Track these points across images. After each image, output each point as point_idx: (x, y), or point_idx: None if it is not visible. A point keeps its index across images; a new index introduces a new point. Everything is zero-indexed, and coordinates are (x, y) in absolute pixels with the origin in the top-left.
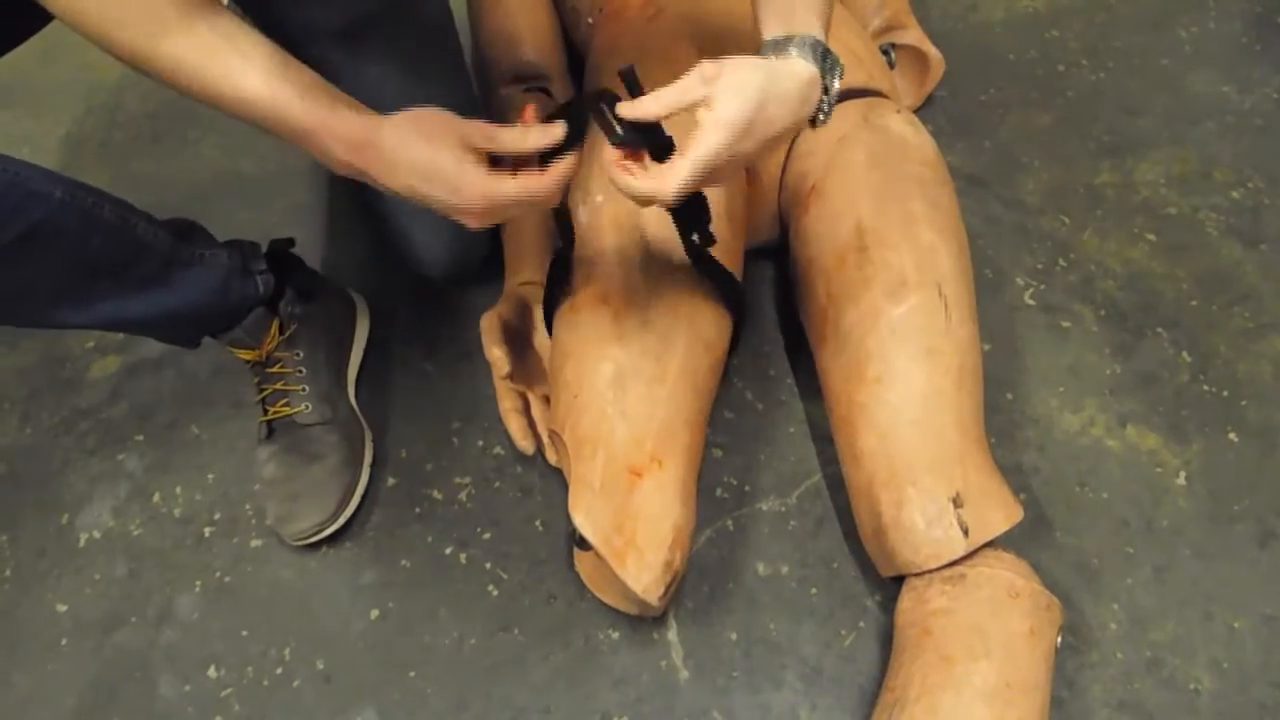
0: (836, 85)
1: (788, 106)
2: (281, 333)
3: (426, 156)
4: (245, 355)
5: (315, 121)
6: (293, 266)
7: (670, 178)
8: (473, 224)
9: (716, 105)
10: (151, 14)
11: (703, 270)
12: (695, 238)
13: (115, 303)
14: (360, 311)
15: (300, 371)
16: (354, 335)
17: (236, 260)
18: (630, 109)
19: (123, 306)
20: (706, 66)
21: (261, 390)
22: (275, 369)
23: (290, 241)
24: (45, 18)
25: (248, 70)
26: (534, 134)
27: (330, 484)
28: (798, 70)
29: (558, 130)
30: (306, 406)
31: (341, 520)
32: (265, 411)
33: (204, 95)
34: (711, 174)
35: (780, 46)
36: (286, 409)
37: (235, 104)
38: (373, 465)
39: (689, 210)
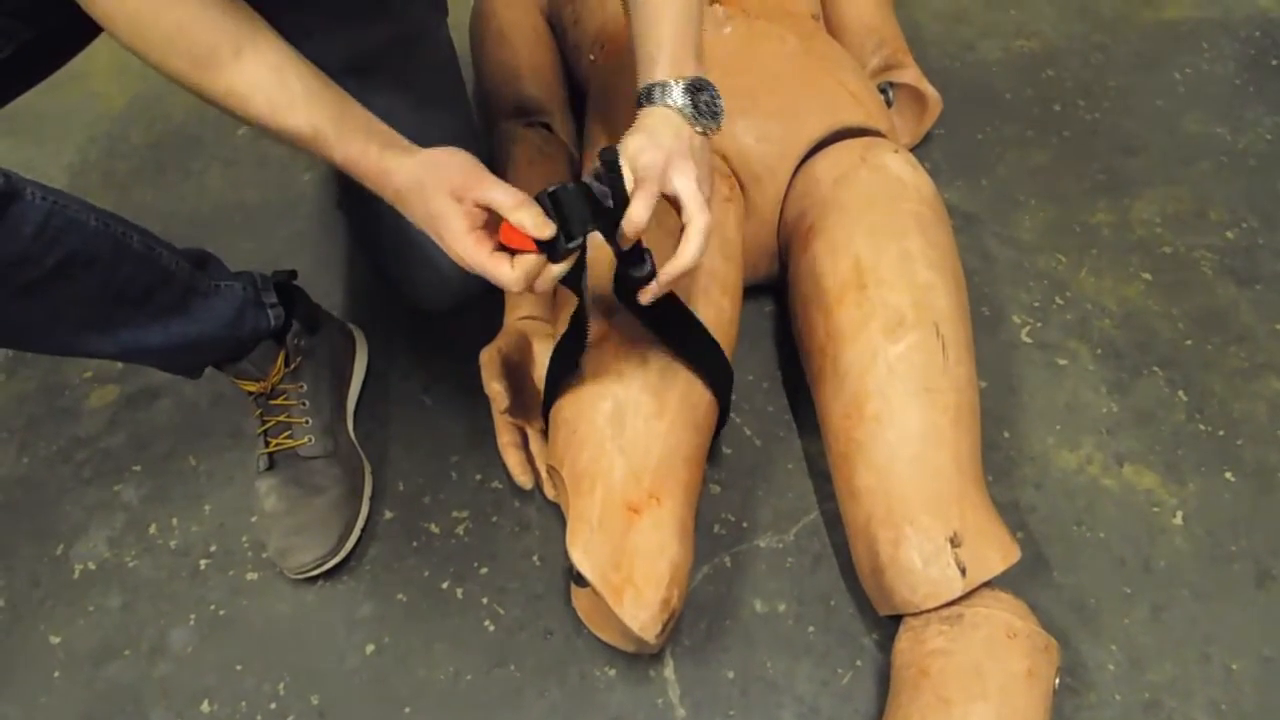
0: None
1: (688, 137)
2: (287, 365)
3: (423, 203)
4: (249, 387)
5: (346, 160)
6: (296, 298)
7: (689, 253)
8: (453, 251)
9: (675, 192)
10: (205, 46)
11: (689, 354)
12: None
13: (136, 331)
14: (359, 344)
15: (303, 404)
16: (353, 368)
17: (250, 291)
18: (629, 237)
19: (143, 335)
20: (641, 174)
21: (264, 422)
22: (279, 401)
23: (293, 274)
24: (73, 52)
25: (293, 107)
26: (526, 213)
27: (331, 517)
28: (669, 114)
29: (546, 229)
30: (309, 439)
31: (342, 554)
32: (267, 444)
33: (252, 123)
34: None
35: (649, 96)
36: (289, 441)
37: (280, 134)
38: (371, 498)
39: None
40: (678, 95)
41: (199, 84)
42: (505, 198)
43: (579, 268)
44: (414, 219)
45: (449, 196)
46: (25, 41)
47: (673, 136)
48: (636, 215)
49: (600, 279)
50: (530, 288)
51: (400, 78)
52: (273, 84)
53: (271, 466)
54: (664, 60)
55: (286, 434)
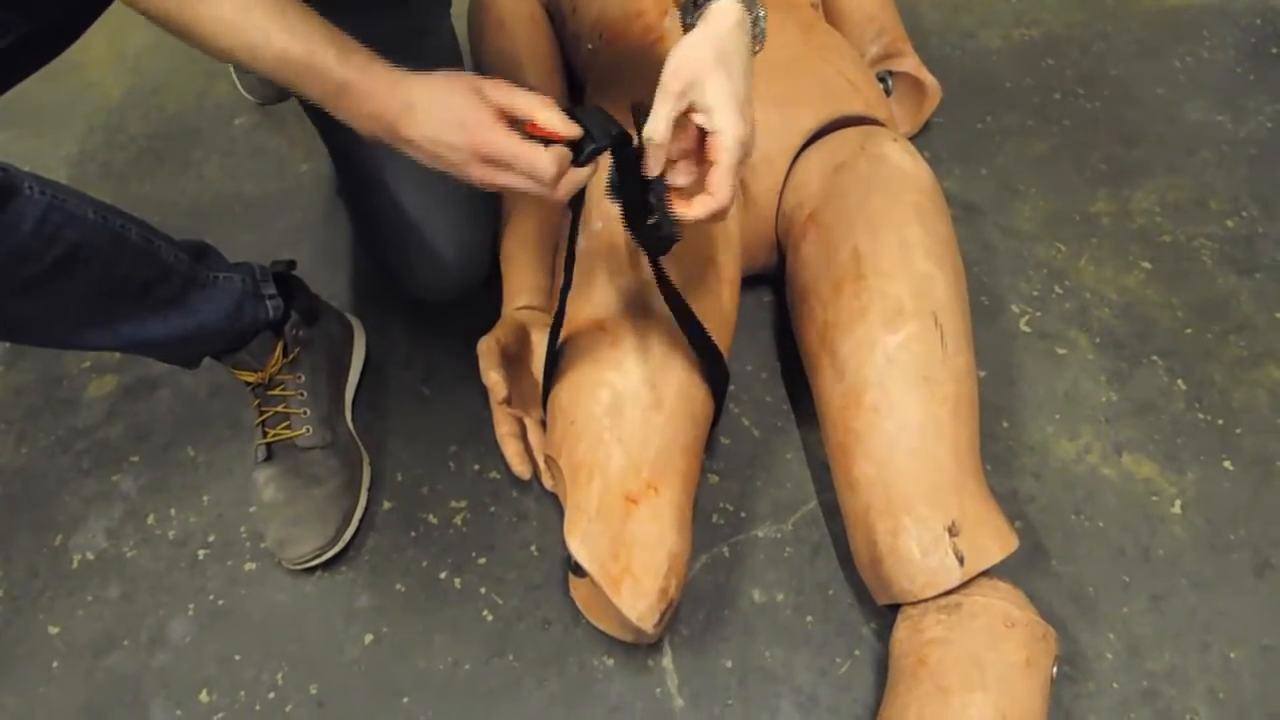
0: (760, 11)
1: (739, 47)
2: (285, 355)
3: (445, 94)
4: (247, 377)
5: (351, 76)
6: (295, 289)
7: (721, 190)
8: (474, 174)
9: (707, 104)
10: None
11: (690, 338)
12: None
13: (136, 324)
14: (357, 335)
15: (301, 395)
16: (351, 358)
17: (249, 283)
18: (652, 143)
19: (143, 327)
20: (667, 80)
21: (262, 413)
22: (276, 391)
23: (291, 264)
24: (67, 42)
25: (288, 30)
26: (554, 113)
27: (330, 508)
28: (725, 9)
29: (573, 128)
30: (307, 430)
31: (340, 544)
32: (264, 434)
33: (242, 56)
34: (745, 155)
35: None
36: (287, 432)
37: (274, 64)
38: (370, 489)
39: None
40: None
41: (190, 20)
42: (528, 98)
43: (578, 196)
44: (424, 133)
45: (476, 93)
46: (23, 34)
47: (719, 40)
48: (654, 124)
49: (601, 270)
50: (557, 187)
51: (404, 68)
52: (265, 8)
53: (269, 457)
54: None
55: (284, 424)
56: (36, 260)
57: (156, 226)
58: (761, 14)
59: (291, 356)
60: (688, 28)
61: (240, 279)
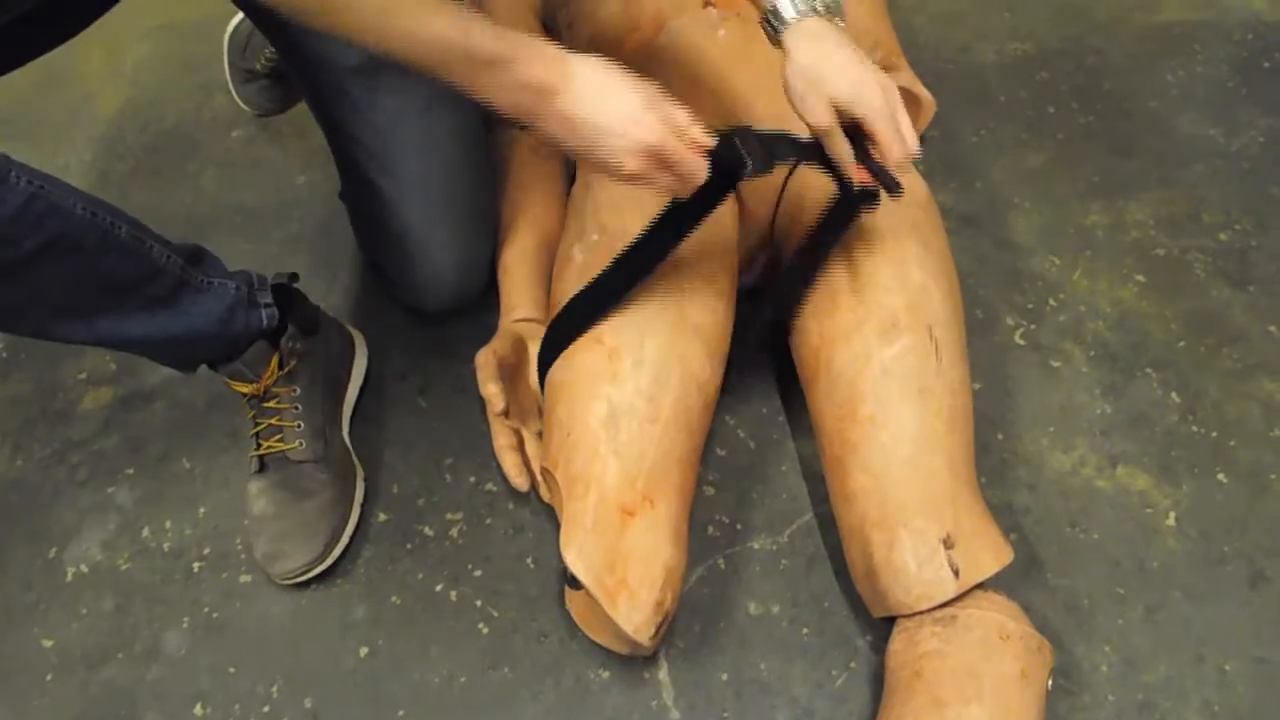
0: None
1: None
2: (281, 367)
3: (618, 85)
4: (242, 388)
5: (513, 49)
6: (295, 301)
7: (909, 135)
8: (631, 166)
9: (845, 101)
10: None
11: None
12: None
13: (116, 321)
14: (359, 348)
15: (296, 408)
16: (351, 372)
17: (243, 290)
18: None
19: (123, 325)
20: (805, 96)
21: (256, 424)
22: (271, 404)
23: (294, 276)
24: (67, 33)
25: (437, 9)
26: (702, 132)
27: (319, 523)
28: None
29: (704, 167)
30: (300, 443)
31: (329, 560)
32: (258, 445)
33: (391, 40)
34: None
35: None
36: (280, 444)
37: (425, 44)
38: (364, 504)
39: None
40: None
41: (338, 6)
42: (683, 113)
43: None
44: (587, 113)
45: (643, 93)
46: (24, 11)
47: (826, 46)
48: (836, 153)
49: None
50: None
51: (410, 78)
52: None
53: (262, 469)
54: None
55: (278, 437)
56: (15, 246)
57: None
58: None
59: (288, 369)
60: (776, 41)
61: (235, 286)
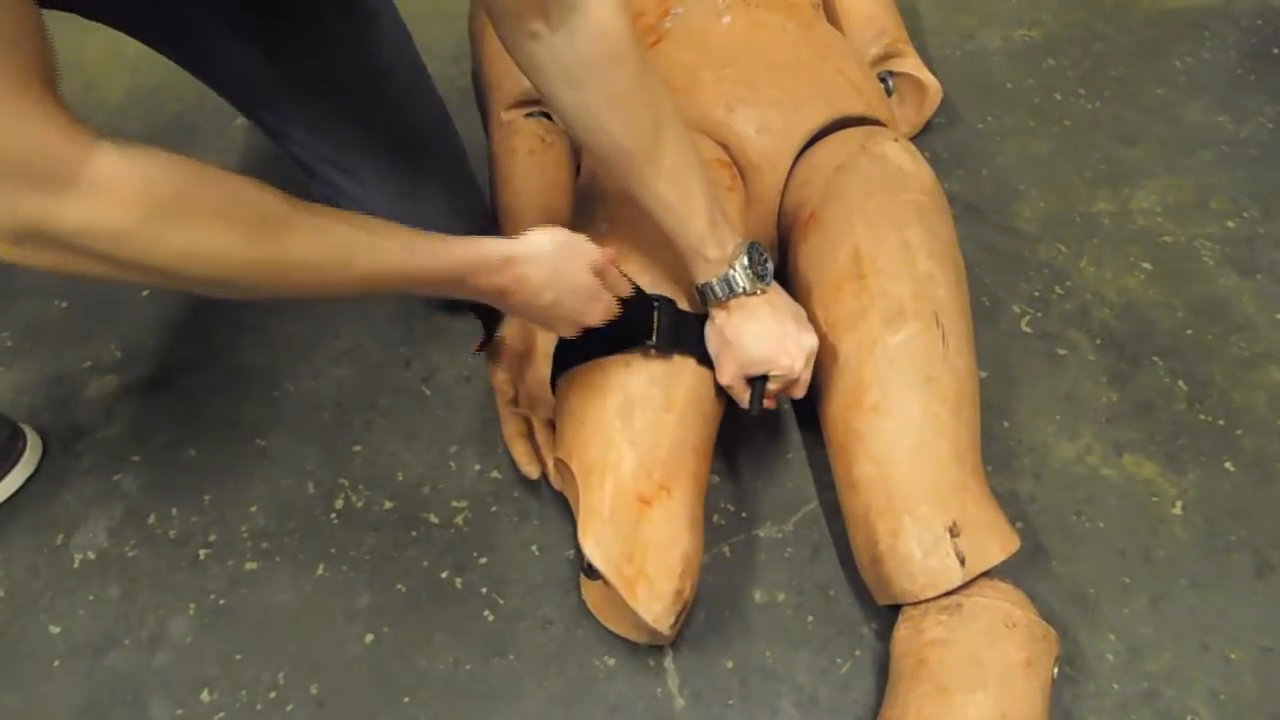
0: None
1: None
2: None
3: (574, 276)
4: None
5: (467, 264)
6: None
7: (804, 388)
8: (590, 322)
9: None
10: (259, 210)
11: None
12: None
13: None
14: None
15: None
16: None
17: None
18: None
19: None
20: (719, 355)
21: None
22: None
23: None
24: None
25: (384, 242)
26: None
27: None
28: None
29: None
30: None
31: None
32: None
33: (333, 283)
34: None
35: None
36: None
37: (372, 281)
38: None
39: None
40: (741, 280)
41: (262, 251)
42: (621, 282)
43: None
44: (548, 297)
45: (591, 271)
46: None
47: (748, 320)
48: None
49: None
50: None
51: (393, 150)
52: (350, 228)
53: None
54: (712, 248)
55: None
56: None
57: None
58: (757, 252)
59: None
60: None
61: None
